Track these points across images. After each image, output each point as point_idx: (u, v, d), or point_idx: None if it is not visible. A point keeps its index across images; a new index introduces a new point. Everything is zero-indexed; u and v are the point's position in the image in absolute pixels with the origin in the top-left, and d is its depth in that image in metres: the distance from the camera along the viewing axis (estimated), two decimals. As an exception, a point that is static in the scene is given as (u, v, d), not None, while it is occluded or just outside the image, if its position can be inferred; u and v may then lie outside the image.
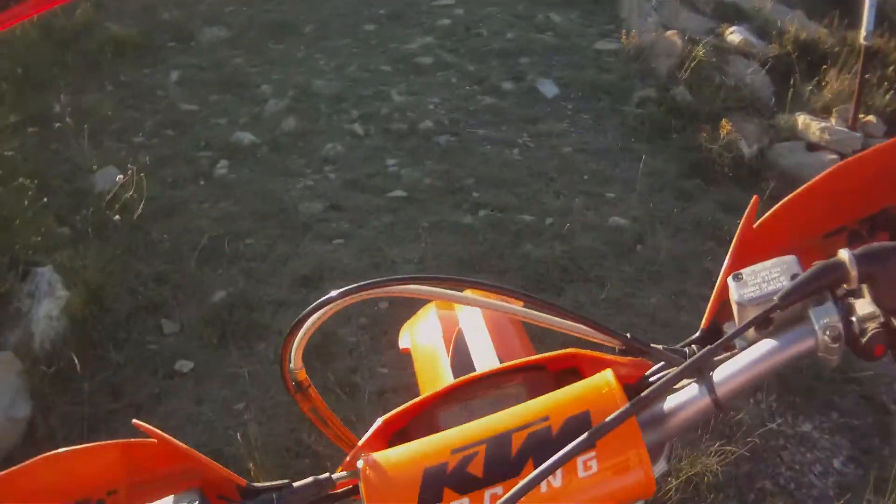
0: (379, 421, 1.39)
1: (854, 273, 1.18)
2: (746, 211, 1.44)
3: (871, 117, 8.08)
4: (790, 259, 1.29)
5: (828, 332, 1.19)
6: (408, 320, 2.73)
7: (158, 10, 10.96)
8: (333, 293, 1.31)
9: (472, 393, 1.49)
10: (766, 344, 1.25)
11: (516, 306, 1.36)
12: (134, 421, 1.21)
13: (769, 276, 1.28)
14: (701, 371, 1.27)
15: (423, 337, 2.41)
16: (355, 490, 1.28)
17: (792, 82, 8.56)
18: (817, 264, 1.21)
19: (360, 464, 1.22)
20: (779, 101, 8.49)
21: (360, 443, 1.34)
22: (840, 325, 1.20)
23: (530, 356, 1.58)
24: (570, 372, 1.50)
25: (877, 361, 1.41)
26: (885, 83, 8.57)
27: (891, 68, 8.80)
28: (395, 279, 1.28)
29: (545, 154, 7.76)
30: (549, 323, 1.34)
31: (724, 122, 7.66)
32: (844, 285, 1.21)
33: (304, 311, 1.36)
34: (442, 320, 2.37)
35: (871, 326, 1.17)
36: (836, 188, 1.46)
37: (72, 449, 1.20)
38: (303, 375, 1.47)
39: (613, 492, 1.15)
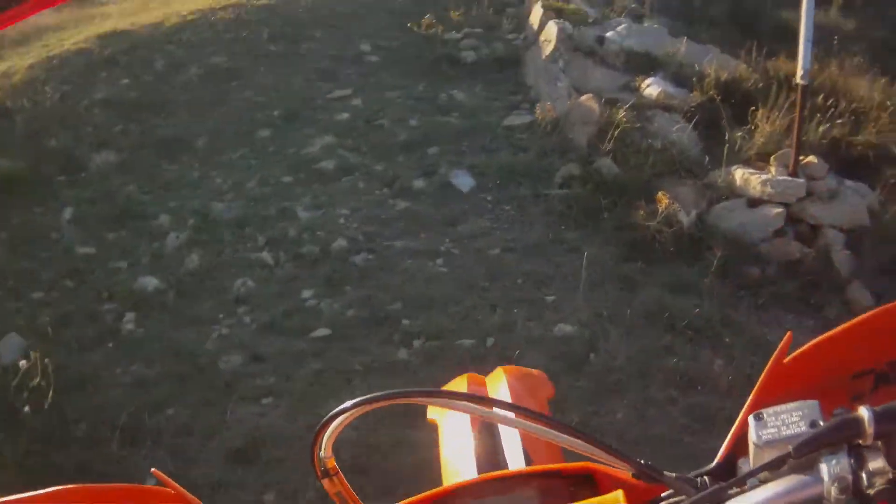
0: None
1: (871, 431, 1.19)
2: (780, 345, 1.50)
3: (811, 158, 7.94)
4: (812, 405, 1.31)
5: (836, 483, 1.22)
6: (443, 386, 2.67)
7: (43, 136, 10.53)
8: (371, 395, 1.43)
9: (489, 490, 1.61)
10: (776, 486, 1.27)
11: (534, 424, 1.42)
12: (153, 470, 1.48)
13: (789, 420, 1.30)
14: None
15: (452, 414, 2.44)
16: None
17: (725, 136, 8.44)
18: (836, 417, 1.24)
19: None
20: (710, 154, 8.38)
21: None
22: (850, 477, 1.22)
23: (553, 457, 1.82)
24: (584, 479, 1.58)
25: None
26: (818, 114, 8.50)
27: (820, 97, 8.48)
28: (423, 391, 1.45)
29: (472, 260, 7.51)
30: (566, 443, 1.40)
31: (660, 195, 7.48)
32: (860, 440, 1.22)
33: (338, 408, 1.47)
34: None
35: (880, 482, 1.20)
36: (871, 331, 1.51)
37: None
38: (332, 463, 1.61)
39: None
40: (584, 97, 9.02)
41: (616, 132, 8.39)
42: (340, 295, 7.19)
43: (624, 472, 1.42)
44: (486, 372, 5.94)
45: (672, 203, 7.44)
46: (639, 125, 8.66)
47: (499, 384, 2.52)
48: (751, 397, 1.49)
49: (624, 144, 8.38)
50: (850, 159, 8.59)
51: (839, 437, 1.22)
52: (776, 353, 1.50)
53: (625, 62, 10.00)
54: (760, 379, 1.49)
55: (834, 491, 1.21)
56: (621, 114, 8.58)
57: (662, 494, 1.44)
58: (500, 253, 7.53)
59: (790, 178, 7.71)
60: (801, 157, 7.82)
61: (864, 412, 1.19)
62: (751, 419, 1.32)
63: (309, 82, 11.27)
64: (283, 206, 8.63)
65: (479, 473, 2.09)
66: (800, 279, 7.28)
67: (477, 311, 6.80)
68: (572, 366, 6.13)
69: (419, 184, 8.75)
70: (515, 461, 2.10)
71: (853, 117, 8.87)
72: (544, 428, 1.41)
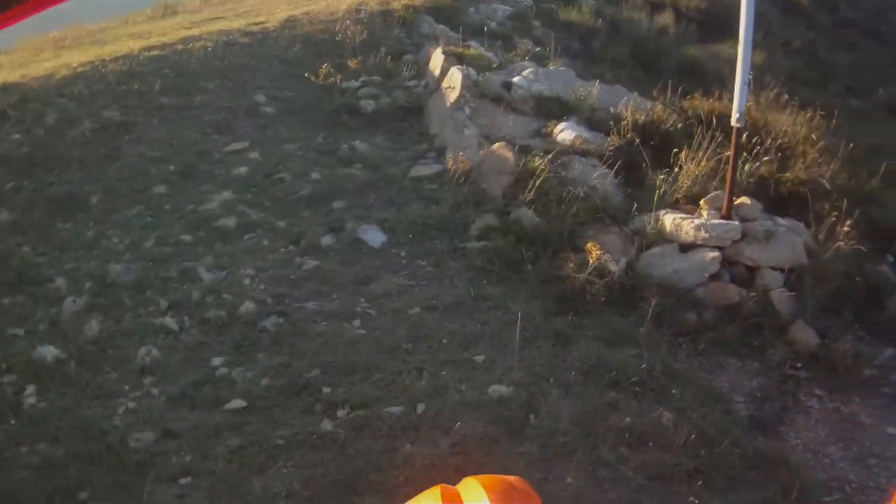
0: None
1: None
2: None
3: (744, 199, 8.10)
4: None
5: None
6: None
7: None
8: None
9: None
10: None
11: None
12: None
13: None
14: None
15: None
16: None
17: (647, 180, 8.56)
18: None
19: None
20: (633, 200, 8.41)
21: None
22: None
23: None
24: None
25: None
26: (744, 153, 8.50)
27: (744, 135, 8.45)
28: None
29: (390, 321, 7.34)
30: None
31: (590, 245, 7.59)
32: None
33: None
34: None
35: None
36: None
37: None
38: None
39: None
40: (496, 146, 9.05)
41: (537, 182, 8.35)
42: (253, 362, 6.97)
43: None
44: (423, 443, 5.72)
45: (603, 253, 7.40)
46: (557, 173, 8.59)
47: (480, 499, 2.11)
48: None
49: (542, 193, 8.36)
50: (779, 197, 8.76)
51: None
52: None
53: (534, 107, 10.06)
54: None
55: None
56: (538, 162, 8.57)
57: None
58: (420, 312, 7.39)
59: (724, 221, 7.79)
60: (734, 199, 7.88)
61: None
62: None
63: (204, 135, 11.10)
64: (185, 266, 8.39)
65: None
66: (740, 323, 7.34)
67: (402, 376, 6.65)
68: (512, 430, 6.01)
69: (327, 240, 8.59)
70: None
71: (779, 154, 9.04)
72: None
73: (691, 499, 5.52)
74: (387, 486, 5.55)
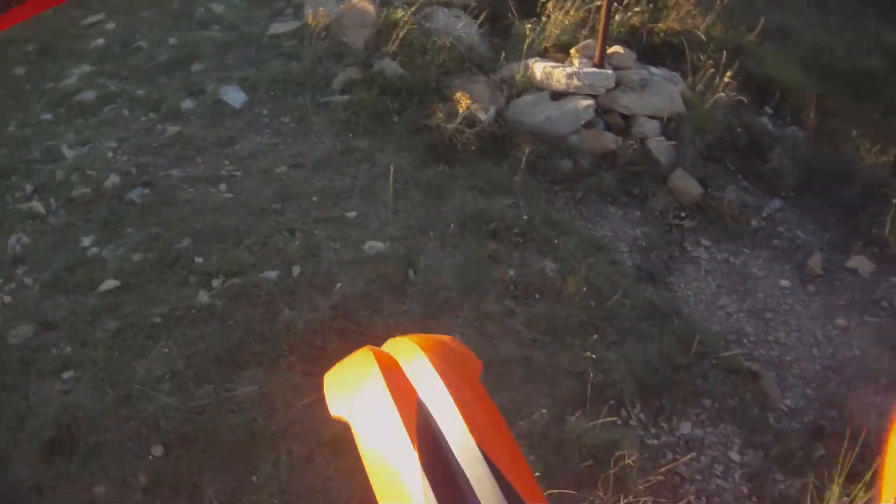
0: None
1: None
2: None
3: (617, 48, 7.85)
4: None
5: None
6: (333, 369, 1.92)
7: None
8: None
9: None
10: None
11: None
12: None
13: None
14: None
15: (368, 410, 1.81)
16: None
17: (513, 30, 8.30)
18: None
19: None
20: (500, 50, 8.07)
21: None
22: None
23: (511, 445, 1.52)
24: None
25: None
26: (615, 3, 8.14)
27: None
28: None
29: (258, 182, 6.95)
30: None
31: (459, 95, 7.24)
32: None
33: None
34: (392, 387, 1.79)
35: None
36: None
37: None
38: None
39: None
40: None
41: (400, 34, 7.99)
42: (122, 238, 6.51)
43: None
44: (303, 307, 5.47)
45: (472, 102, 7.13)
46: (420, 25, 8.25)
47: (420, 366, 1.85)
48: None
49: (406, 45, 8.01)
50: (652, 47, 8.55)
51: None
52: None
53: (393, -40, 9.54)
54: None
55: None
56: (401, 14, 8.21)
57: None
58: (287, 170, 7.02)
59: (598, 69, 7.55)
60: (606, 48, 7.64)
61: None
62: None
63: (59, 11, 10.32)
64: (47, 146, 7.81)
65: (429, 480, 1.64)
66: (617, 171, 7.20)
67: (275, 238, 6.30)
68: (393, 287, 5.76)
69: (188, 105, 8.10)
70: (471, 464, 1.65)
71: (651, 4, 8.79)
72: None
73: (587, 353, 5.41)
74: (271, 356, 5.31)
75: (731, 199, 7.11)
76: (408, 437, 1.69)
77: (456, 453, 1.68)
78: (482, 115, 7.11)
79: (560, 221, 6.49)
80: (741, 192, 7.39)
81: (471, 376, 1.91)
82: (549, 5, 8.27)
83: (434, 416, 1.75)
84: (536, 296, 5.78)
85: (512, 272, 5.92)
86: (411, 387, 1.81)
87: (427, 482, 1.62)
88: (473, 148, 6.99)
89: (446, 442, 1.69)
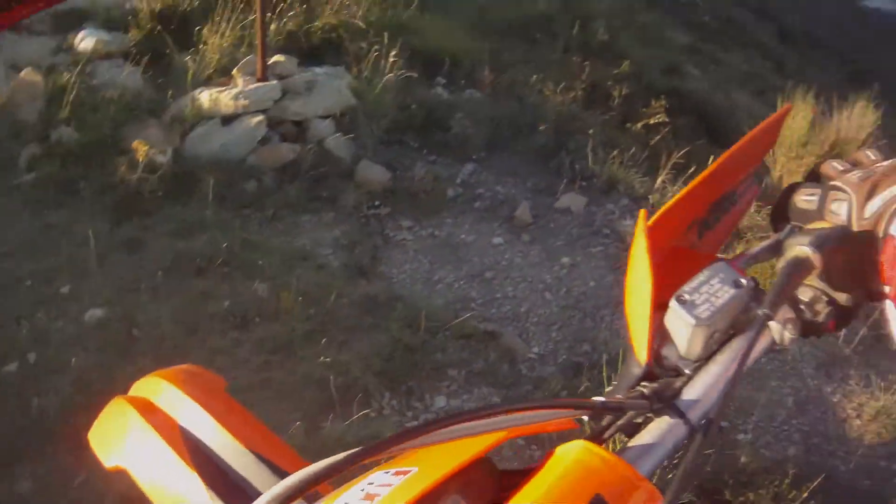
0: None
1: (819, 263, 1.35)
2: (637, 224, 1.40)
3: (277, 58, 8.06)
4: (721, 266, 1.36)
5: (787, 326, 1.34)
6: (94, 427, 2.18)
7: None
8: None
9: None
10: (729, 353, 1.33)
11: (465, 424, 1.18)
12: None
13: (712, 290, 1.33)
14: (670, 403, 1.30)
15: (139, 452, 1.95)
16: None
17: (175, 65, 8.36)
18: (784, 265, 1.37)
19: None
20: (168, 88, 8.23)
21: None
22: (794, 315, 1.37)
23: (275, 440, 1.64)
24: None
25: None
26: (268, 14, 8.39)
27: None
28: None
29: None
30: (503, 426, 1.22)
31: (136, 143, 7.25)
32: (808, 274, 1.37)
33: None
34: (153, 424, 1.97)
35: (822, 307, 1.40)
36: (708, 182, 1.52)
37: None
38: None
39: None
40: (23, 73, 8.48)
41: (69, 97, 7.94)
42: None
43: (567, 423, 1.33)
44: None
45: (150, 148, 7.18)
46: (87, 83, 8.25)
47: (172, 397, 2.07)
48: (645, 293, 1.36)
49: (78, 107, 7.98)
50: (313, 47, 8.83)
51: (798, 279, 1.36)
52: (638, 231, 1.40)
53: (52, 25, 9.54)
54: (645, 272, 1.36)
55: (787, 333, 1.34)
56: (66, 77, 8.18)
57: (618, 423, 1.36)
58: (-9, 260, 6.99)
59: (262, 84, 7.72)
60: (267, 60, 7.81)
61: (806, 249, 1.34)
62: (674, 304, 1.32)
63: None
64: None
65: (217, 494, 1.78)
66: (303, 179, 7.39)
67: (4, 331, 6.15)
68: (121, 349, 5.75)
69: None
70: (247, 467, 1.85)
71: (304, 5, 9.04)
72: (478, 422, 1.21)
73: (321, 359, 5.55)
74: (35, 447, 5.19)
75: (421, 176, 7.41)
76: (183, 463, 1.85)
77: (230, 462, 1.86)
78: (161, 159, 7.20)
79: (259, 243, 6.64)
80: (430, 166, 7.69)
81: (219, 392, 2.17)
82: (205, 32, 8.42)
83: (200, 437, 1.91)
84: (256, 319, 5.89)
85: (227, 303, 6.02)
86: (170, 417, 1.99)
87: (216, 496, 1.77)
88: (160, 193, 7.05)
89: (217, 455, 1.86)
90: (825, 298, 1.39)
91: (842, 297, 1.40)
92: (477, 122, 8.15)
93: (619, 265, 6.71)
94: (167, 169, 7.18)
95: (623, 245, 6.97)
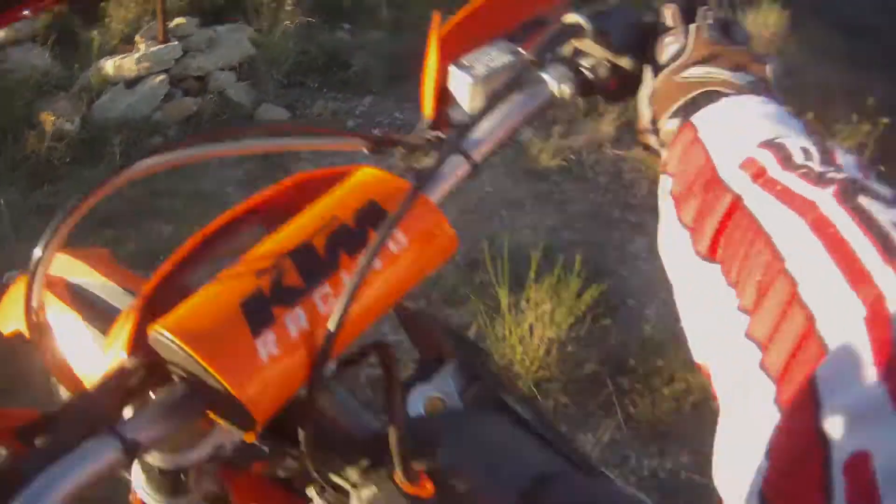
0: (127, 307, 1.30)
1: (589, 28, 1.42)
2: (433, 26, 1.52)
3: (179, 20, 8.20)
4: (501, 41, 1.47)
5: (564, 84, 1.45)
6: None
7: None
8: None
9: (209, 252, 1.44)
10: (506, 107, 1.44)
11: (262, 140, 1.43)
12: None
13: (492, 58, 1.44)
14: (453, 143, 1.40)
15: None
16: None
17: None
18: (554, 26, 1.44)
19: (159, 335, 1.09)
20: (76, 64, 8.35)
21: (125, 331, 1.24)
22: (572, 74, 1.47)
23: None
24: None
25: (617, 98, 1.55)
26: None
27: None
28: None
29: None
30: (291, 145, 1.47)
31: (44, 115, 7.34)
32: (575, 43, 1.48)
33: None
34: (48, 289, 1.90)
35: (603, 71, 1.47)
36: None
37: None
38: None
39: (426, 257, 1.24)
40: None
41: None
42: None
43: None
44: None
45: (57, 118, 7.35)
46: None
47: (61, 258, 1.99)
48: (434, 60, 1.51)
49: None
50: (216, 8, 8.95)
51: (565, 37, 1.44)
52: (431, 40, 1.52)
53: (-37, 22, 9.64)
54: (434, 45, 1.51)
55: (565, 87, 1.44)
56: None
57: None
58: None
59: (163, 45, 7.88)
60: (167, 23, 7.96)
61: (578, 17, 1.43)
62: (453, 69, 1.44)
63: None
64: None
65: None
66: (204, 127, 7.60)
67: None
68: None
69: None
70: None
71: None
72: (272, 140, 1.43)
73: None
74: None
75: (320, 112, 7.60)
76: (67, 307, 1.90)
77: (108, 300, 1.90)
78: (69, 127, 7.38)
79: (164, 190, 6.84)
80: (329, 102, 7.89)
81: (103, 256, 2.15)
82: (110, 6, 8.60)
83: (81, 284, 1.96)
84: (161, 257, 5.95)
85: (133, 245, 6.25)
86: (60, 277, 2.00)
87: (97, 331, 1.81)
88: (68, 160, 7.25)
89: (97, 296, 1.92)
90: (608, 64, 1.46)
91: (624, 62, 1.46)
92: (379, 58, 8.31)
93: (515, 170, 6.86)
94: (75, 136, 7.38)
95: (525, 153, 7.13)
